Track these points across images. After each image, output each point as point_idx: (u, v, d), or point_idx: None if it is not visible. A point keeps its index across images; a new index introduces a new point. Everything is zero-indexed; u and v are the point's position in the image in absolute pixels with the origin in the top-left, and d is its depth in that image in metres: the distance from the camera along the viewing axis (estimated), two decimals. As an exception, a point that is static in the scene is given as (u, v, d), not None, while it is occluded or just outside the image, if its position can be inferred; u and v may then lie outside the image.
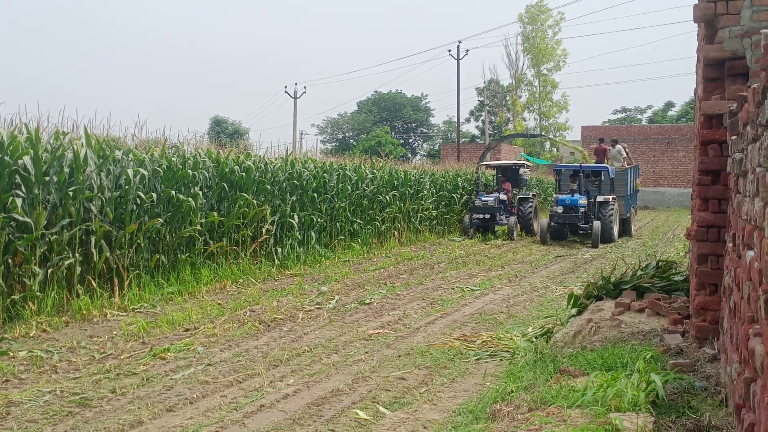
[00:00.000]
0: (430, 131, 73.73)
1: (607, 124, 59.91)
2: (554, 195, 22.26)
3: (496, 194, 22.35)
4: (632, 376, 4.41)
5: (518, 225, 22.41)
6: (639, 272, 8.30)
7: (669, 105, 70.03)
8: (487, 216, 21.92)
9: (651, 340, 5.95)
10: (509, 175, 23.92)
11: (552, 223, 20.72)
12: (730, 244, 4.44)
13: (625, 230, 22.68)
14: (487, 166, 25.85)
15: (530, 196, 23.49)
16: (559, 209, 20.58)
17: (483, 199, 22.21)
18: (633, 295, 7.59)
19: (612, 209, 20.64)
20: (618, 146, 25.55)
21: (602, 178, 21.64)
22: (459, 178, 25.35)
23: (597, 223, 19.91)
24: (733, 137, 4.03)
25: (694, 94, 6.75)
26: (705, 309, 5.53)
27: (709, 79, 5.49)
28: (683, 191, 40.06)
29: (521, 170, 24.18)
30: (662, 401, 4.07)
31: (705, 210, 5.54)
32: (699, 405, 4.05)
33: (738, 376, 3.18)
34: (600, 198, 20.89)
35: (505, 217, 22.13)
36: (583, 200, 20.42)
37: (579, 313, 7.94)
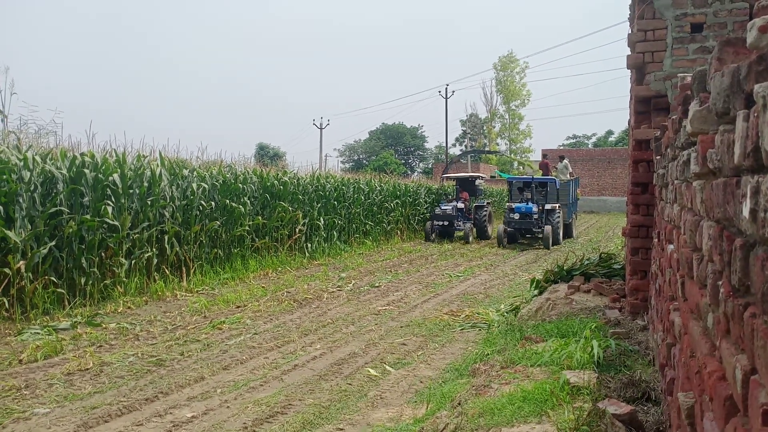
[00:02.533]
0: (425, 154, 73.42)
1: (562, 147, 59.68)
2: (507, 203, 20.10)
3: (455, 203, 20.49)
4: (580, 342, 4.40)
5: (474, 230, 20.33)
6: (586, 262, 8.26)
7: (609, 132, 69.63)
8: (446, 222, 19.81)
9: (595, 314, 5.92)
10: (467, 186, 22.13)
11: (508, 228, 18.90)
12: (656, 240, 4.42)
13: (567, 233, 20.97)
14: (447, 179, 23.99)
15: (485, 204, 21.12)
16: (516, 216, 18.70)
17: (443, 207, 20.19)
18: (581, 279, 7.55)
19: (558, 216, 19.14)
20: (565, 161, 23.87)
21: (548, 189, 19.99)
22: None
23: (548, 228, 18.23)
24: (658, 157, 4.02)
25: (628, 124, 6.73)
26: (637, 290, 5.50)
27: (639, 113, 5.47)
28: (621, 199, 39.83)
29: (477, 181, 22.42)
30: (603, 361, 4.05)
31: (637, 214, 5.52)
32: (632, 364, 4.03)
33: (662, 341, 3.17)
34: (548, 206, 19.20)
35: (463, 223, 20.07)
36: (535, 208, 18.70)
37: (540, 293, 7.91)
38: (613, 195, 43.03)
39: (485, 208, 20.78)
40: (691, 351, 1.86)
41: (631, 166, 5.61)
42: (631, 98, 6.13)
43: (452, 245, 18.67)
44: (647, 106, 5.39)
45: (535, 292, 8.15)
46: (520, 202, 19.41)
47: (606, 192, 43.88)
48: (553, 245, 18.39)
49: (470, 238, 19.57)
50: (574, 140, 72.74)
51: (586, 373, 3.73)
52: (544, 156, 25.89)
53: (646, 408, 3.20)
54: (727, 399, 1.20)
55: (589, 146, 67.07)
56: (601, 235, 23.41)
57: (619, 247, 14.38)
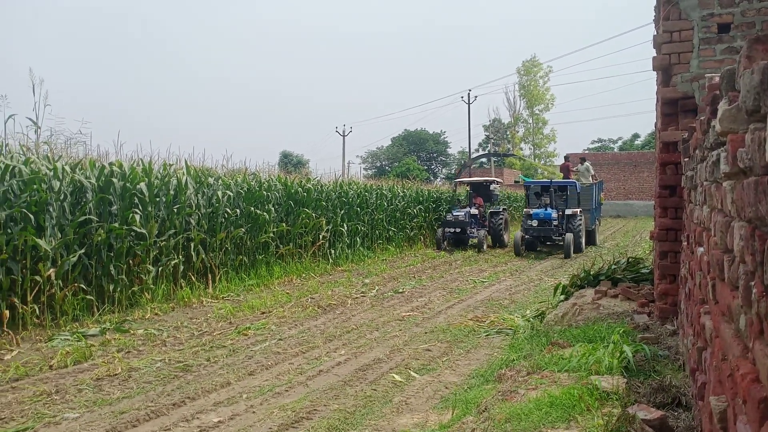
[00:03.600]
0: (448, 159, 73.21)
1: (587, 151, 59.03)
2: (525, 209, 18.75)
3: (468, 209, 19.23)
4: (608, 347, 4.34)
5: (488, 237, 19.19)
6: (613, 266, 8.16)
7: (635, 136, 68.55)
8: (458, 229, 18.55)
9: (623, 319, 5.84)
10: (481, 190, 20.98)
11: (526, 236, 17.67)
12: (685, 243, 4.36)
13: (590, 240, 19.58)
14: (460, 183, 22.60)
15: (501, 210, 19.87)
16: (534, 222, 17.44)
17: (455, 213, 18.90)
18: (609, 284, 7.46)
19: (580, 222, 17.78)
20: (586, 163, 22.51)
21: (569, 193, 18.60)
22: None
23: (569, 235, 16.90)
24: (686, 159, 3.97)
25: (655, 127, 6.65)
26: (666, 294, 5.43)
27: (666, 115, 5.41)
28: (648, 203, 39.25)
29: (492, 186, 21.15)
30: (632, 366, 4.00)
31: (665, 217, 5.45)
32: (662, 369, 3.98)
33: (692, 346, 3.12)
34: (568, 211, 17.82)
35: (476, 230, 18.84)
36: (555, 214, 17.40)
37: (566, 298, 7.83)
38: (640, 199, 42.39)
39: (501, 215, 19.69)
40: (722, 354, 1.83)
41: (659, 169, 5.54)
42: (657, 100, 6.06)
43: (474, 252, 18.32)
44: (674, 108, 5.33)
45: (561, 297, 8.08)
46: (538, 208, 18.19)
47: (632, 196, 43.27)
48: (574, 253, 17.23)
49: (484, 246, 18.42)
50: (599, 144, 71.84)
51: (614, 378, 3.68)
52: (566, 158, 24.65)
53: (676, 413, 3.16)
54: (761, 401, 1.19)
55: (615, 150, 66.21)
56: (628, 239, 23.05)
57: (647, 252, 14.17)
